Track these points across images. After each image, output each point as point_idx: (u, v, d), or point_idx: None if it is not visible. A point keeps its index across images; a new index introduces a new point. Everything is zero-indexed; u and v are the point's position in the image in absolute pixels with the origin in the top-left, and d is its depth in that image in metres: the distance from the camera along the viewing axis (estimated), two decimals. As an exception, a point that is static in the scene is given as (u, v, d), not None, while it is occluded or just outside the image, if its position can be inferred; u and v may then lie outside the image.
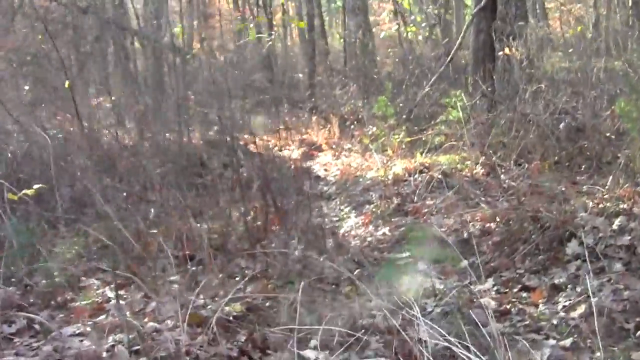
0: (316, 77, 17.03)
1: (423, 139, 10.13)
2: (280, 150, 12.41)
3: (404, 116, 11.01)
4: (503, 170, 8.37)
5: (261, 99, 16.14)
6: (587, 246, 5.52)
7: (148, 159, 8.74)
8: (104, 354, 3.76)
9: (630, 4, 15.05)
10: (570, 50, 10.51)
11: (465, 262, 5.90)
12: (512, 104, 9.10)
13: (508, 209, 6.71)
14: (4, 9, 14.84)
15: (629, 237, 5.62)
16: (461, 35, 12.23)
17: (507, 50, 10.58)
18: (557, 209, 6.23)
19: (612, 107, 8.42)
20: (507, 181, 8.00)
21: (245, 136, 13.71)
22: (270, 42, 17.08)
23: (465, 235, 6.63)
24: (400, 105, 11.39)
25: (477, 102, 10.08)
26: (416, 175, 8.75)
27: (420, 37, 13.08)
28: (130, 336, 3.90)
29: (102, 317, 4.38)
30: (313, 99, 14.95)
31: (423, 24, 13.26)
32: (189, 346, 3.80)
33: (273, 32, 17.66)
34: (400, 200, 8.08)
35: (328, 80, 16.35)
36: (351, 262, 6.31)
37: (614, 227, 5.82)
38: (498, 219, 6.77)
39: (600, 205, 6.46)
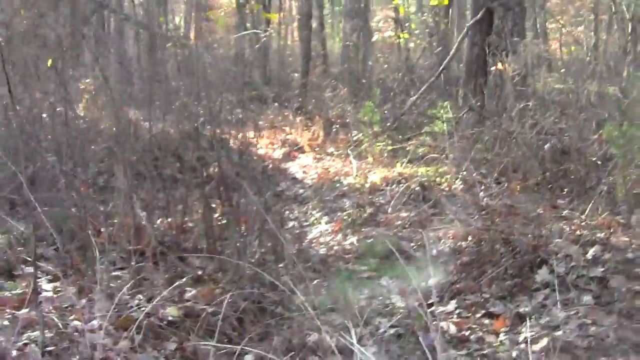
0: (309, 78, 16.70)
1: (406, 148, 9.79)
2: (262, 149, 12.07)
3: (389, 124, 10.66)
4: (483, 187, 8.04)
5: (251, 95, 15.80)
6: (558, 275, 5.23)
7: (116, 145, 8.40)
8: (14, 353, 3.39)
9: (629, 30, 14.77)
10: (562, 71, 10.18)
11: (430, 281, 5.59)
12: (498, 121, 8.75)
13: (481, 228, 6.37)
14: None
15: (602, 269, 5.30)
16: (455, 46, 11.90)
17: (499, 65, 10.24)
18: (531, 232, 5.90)
19: (600, 131, 8.10)
20: (485, 199, 7.65)
21: (228, 131, 13.43)
22: (265, 38, 16.71)
23: (435, 252, 6.28)
24: (386, 112, 11.04)
25: (464, 115, 9.74)
26: (394, 186, 8.42)
27: (412, 45, 12.74)
28: (48, 335, 3.54)
29: (25, 310, 4.00)
30: (300, 99, 14.59)
31: (417, 32, 12.90)
32: (109, 351, 3.44)
33: (268, 29, 17.26)
34: (373, 210, 7.75)
35: (319, 81, 16.03)
36: (311, 271, 5.97)
37: (588, 256, 5.50)
38: (470, 238, 6.43)
39: (577, 232, 6.14)
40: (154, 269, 5.09)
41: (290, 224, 7.89)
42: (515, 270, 5.54)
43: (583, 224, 6.40)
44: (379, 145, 9.91)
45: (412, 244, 6.62)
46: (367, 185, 8.62)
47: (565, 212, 7.12)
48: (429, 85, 11.27)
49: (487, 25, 11.12)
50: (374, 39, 10.42)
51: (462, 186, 8.25)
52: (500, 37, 10.82)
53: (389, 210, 7.79)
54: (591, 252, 5.54)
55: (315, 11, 17.65)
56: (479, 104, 10.35)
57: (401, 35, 10.57)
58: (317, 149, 11.80)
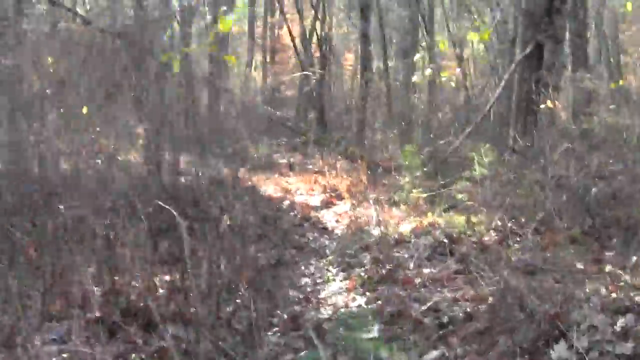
0: (366, 120, 15.97)
1: (443, 195, 8.96)
2: (301, 194, 11.41)
3: (428, 169, 9.85)
4: (517, 240, 7.16)
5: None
6: (577, 352, 4.33)
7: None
8: None
9: None
10: (611, 107, 9.21)
11: (434, 354, 4.78)
12: (541, 163, 7.87)
13: (503, 289, 5.50)
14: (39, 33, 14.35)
15: (633, 345, 4.37)
16: (501, 84, 11.02)
17: (549, 102, 9.36)
18: (554, 295, 5.02)
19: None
20: (518, 253, 6.78)
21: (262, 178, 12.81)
22: (315, 80, 16.14)
23: (446, 319, 5.43)
24: (422, 156, 10.25)
25: (507, 158, 8.86)
26: (421, 238, 7.61)
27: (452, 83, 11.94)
28: None
29: None
30: (353, 142, 13.83)
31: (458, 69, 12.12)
32: None
33: (322, 71, 16.67)
34: (393, 265, 6.93)
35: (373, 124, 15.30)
36: (303, 340, 5.22)
37: (617, 327, 4.58)
38: (490, 300, 5.57)
39: (614, 295, 5.22)
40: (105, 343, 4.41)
41: (304, 280, 7.14)
42: (528, 344, 4.65)
43: (622, 283, 5.48)
44: (415, 192, 9.09)
45: (423, 307, 5.76)
46: (392, 237, 7.81)
47: (609, 268, 6.20)
48: (476, 126, 10.39)
49: (537, 60, 10.25)
50: (413, 79, 9.68)
51: (495, 238, 7.37)
52: (551, 72, 9.93)
53: (411, 266, 6.96)
54: (621, 322, 4.62)
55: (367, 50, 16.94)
56: (528, 144, 9.45)
57: (443, 74, 9.77)
58: (359, 195, 11.02)
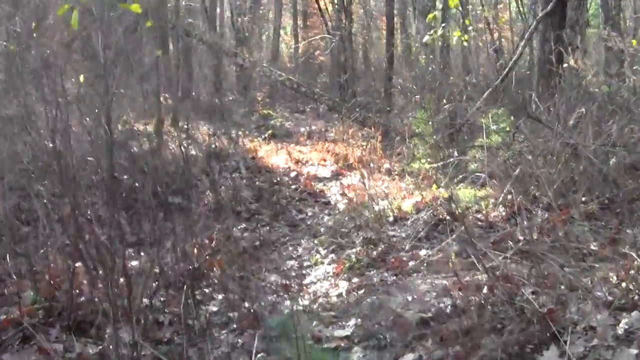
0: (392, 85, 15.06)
1: (455, 165, 8.15)
2: (312, 165, 10.67)
3: (441, 137, 9.02)
4: (527, 216, 6.35)
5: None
6: (569, 358, 3.58)
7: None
8: None
9: None
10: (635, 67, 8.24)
11: (408, 358, 4.06)
12: (557, 130, 7.01)
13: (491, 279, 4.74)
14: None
15: (637, 352, 3.59)
16: (522, 44, 10.09)
17: (572, 61, 8.44)
18: (552, 288, 4.25)
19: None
20: (526, 231, 5.97)
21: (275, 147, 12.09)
22: (334, 45, 15.26)
23: (430, 313, 4.69)
24: (433, 122, 9.40)
25: (522, 124, 7.99)
26: (423, 213, 6.83)
27: (465, 43, 10.97)
28: None
29: None
30: (381, 109, 12.92)
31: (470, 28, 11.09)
32: None
33: (342, 32, 15.74)
34: (386, 246, 6.19)
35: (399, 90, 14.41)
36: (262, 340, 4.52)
37: (620, 328, 3.80)
38: (486, 292, 4.81)
39: (623, 284, 4.43)
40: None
41: (290, 264, 6.44)
42: (516, 348, 3.89)
43: (636, 270, 4.67)
44: (423, 163, 8.30)
45: (408, 297, 5.02)
46: (392, 214, 7.05)
47: (625, 249, 5.37)
48: (495, 90, 9.50)
49: (560, 18, 9.31)
50: (424, 39, 8.82)
51: (504, 214, 6.57)
52: (574, 31, 9.00)
53: (407, 247, 6.20)
54: (624, 322, 3.84)
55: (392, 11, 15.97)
56: (549, 108, 8.55)
57: (456, 34, 8.87)
58: (371, 164, 10.23)
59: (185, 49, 21.17)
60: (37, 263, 4.73)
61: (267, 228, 7.37)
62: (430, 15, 8.63)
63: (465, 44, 10.23)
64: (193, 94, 21.23)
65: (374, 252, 6.11)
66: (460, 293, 4.95)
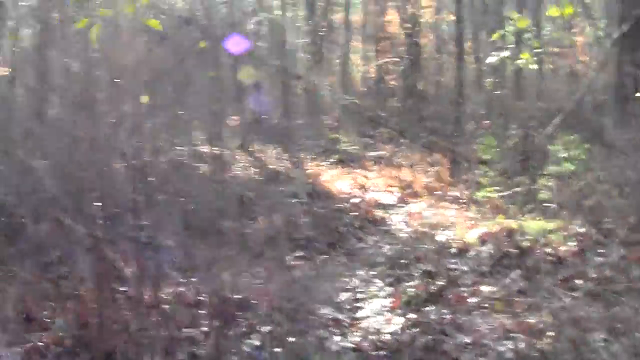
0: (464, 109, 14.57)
1: (525, 194, 7.67)
2: (375, 191, 10.29)
3: (511, 164, 8.53)
4: (601, 251, 5.86)
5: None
6: None
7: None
8: None
9: None
10: None
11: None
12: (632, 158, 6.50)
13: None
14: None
15: None
16: (597, 68, 9.54)
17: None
18: (623, 339, 3.79)
19: None
20: (601, 268, 5.49)
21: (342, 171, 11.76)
22: (402, 69, 14.89)
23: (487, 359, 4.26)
24: (502, 148, 8.92)
25: (598, 152, 7.48)
26: (488, 246, 6.39)
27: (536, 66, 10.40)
28: None
29: None
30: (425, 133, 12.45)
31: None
32: None
33: (411, 57, 15.38)
34: (447, 280, 5.76)
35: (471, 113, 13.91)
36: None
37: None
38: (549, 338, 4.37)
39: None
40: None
41: (344, 296, 6.05)
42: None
43: None
44: (491, 191, 7.85)
45: (465, 339, 4.59)
46: (455, 245, 6.62)
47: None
48: (567, 116, 8.99)
49: (636, 40, 8.78)
50: (488, 60, 8.36)
51: (574, 248, 6.08)
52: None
53: (469, 282, 5.76)
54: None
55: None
56: (625, 136, 8.01)
57: (522, 56, 8.41)
58: (439, 192, 9.80)
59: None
60: (67, 287, 4.47)
61: (324, 257, 7.00)
62: (495, 35, 8.19)
63: (535, 67, 9.72)
64: (263, 117, 21.19)
65: (433, 287, 5.68)
66: (523, 337, 4.52)
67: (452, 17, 19.28)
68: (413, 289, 5.76)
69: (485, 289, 5.58)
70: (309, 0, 21.54)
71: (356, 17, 26.68)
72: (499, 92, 10.92)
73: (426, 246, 6.68)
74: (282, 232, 7.28)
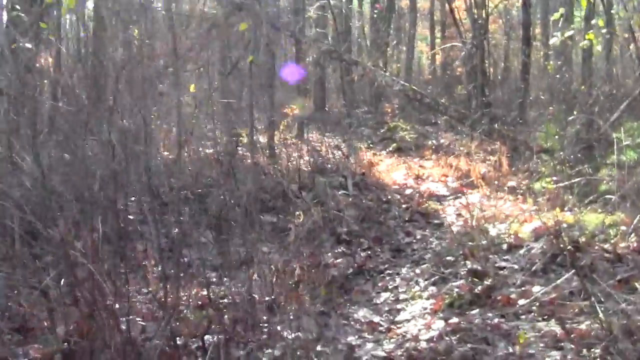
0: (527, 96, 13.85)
1: (584, 185, 7.08)
2: (431, 181, 9.79)
3: (571, 153, 7.92)
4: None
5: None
6: None
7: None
8: None
9: None
10: None
11: None
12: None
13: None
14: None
15: None
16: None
17: None
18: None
19: None
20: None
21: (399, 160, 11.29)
22: (464, 54, 14.24)
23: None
24: (562, 136, 8.28)
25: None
26: (540, 242, 5.85)
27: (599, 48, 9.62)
28: None
29: None
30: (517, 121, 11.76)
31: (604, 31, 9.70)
32: None
33: (475, 42, 14.68)
34: (495, 280, 5.26)
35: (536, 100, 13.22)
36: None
37: None
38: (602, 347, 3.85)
39: None
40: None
41: (384, 296, 5.61)
42: None
43: None
44: (548, 181, 7.28)
45: (509, 349, 4.11)
46: (507, 240, 6.10)
47: None
48: (634, 101, 8.32)
49: None
50: (551, 41, 7.72)
51: (635, 245, 5.50)
52: None
53: (518, 281, 5.26)
54: None
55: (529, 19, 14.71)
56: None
57: (588, 37, 7.72)
58: (496, 182, 9.23)
59: (318, 62, 20.67)
60: (55, 301, 4.13)
61: (368, 253, 6.56)
62: (556, 15, 7.60)
63: (599, 49, 9.02)
64: (327, 106, 20.78)
65: (479, 287, 5.19)
66: (573, 346, 4.01)
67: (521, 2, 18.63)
68: (457, 289, 5.28)
69: (535, 289, 5.06)
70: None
71: (423, 3, 26.04)
72: (563, 77, 10.23)
73: (476, 242, 6.15)
74: (325, 227, 6.88)
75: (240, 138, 9.75)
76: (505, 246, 6.05)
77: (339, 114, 17.81)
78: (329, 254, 6.35)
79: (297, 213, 6.56)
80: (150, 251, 5.54)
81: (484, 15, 15.31)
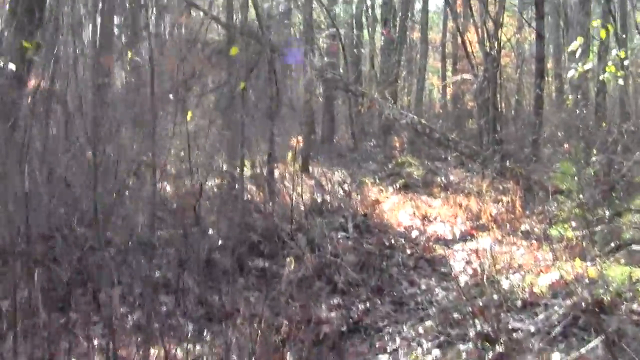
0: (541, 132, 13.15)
1: (606, 232, 6.39)
2: (438, 222, 9.11)
3: (590, 195, 7.22)
4: None
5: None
6: None
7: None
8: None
9: None
10: None
11: None
12: None
13: None
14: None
15: None
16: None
17: None
18: None
19: None
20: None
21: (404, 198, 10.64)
22: (475, 87, 13.61)
23: None
24: (581, 177, 7.58)
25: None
26: (559, 300, 5.16)
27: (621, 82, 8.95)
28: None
29: None
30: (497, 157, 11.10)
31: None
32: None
33: (486, 75, 14.06)
34: (507, 346, 4.56)
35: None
36: None
37: None
38: None
39: None
40: None
41: (381, 360, 4.92)
42: None
43: None
44: (566, 227, 6.60)
45: None
46: (521, 295, 5.41)
47: None
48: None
49: None
50: (569, 74, 7.11)
51: (669, 307, 4.80)
52: None
53: (535, 347, 4.56)
54: None
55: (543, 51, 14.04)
56: None
57: (607, 69, 7.08)
58: (508, 225, 8.54)
59: (327, 94, 20.10)
60: None
61: (366, 305, 5.86)
62: (575, 44, 6.98)
63: (621, 82, 8.35)
64: (335, 138, 20.15)
65: (490, 354, 4.50)
66: None
67: (534, 36, 18.02)
68: (465, 356, 4.59)
69: (555, 358, 4.37)
70: (385, 17, 20.46)
71: (434, 35, 25.50)
72: (580, 112, 9.55)
73: (486, 297, 5.45)
74: (321, 274, 6.21)
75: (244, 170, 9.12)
76: (519, 303, 5.35)
77: (346, 147, 17.20)
78: (323, 305, 5.67)
79: (289, 259, 5.89)
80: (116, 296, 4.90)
81: (496, 47, 14.71)
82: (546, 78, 15.12)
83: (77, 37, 11.24)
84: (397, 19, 21.39)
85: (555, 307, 5.04)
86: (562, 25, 20.02)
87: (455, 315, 5.35)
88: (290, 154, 11.04)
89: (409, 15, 23.20)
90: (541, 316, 5.01)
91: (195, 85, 10.79)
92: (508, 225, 8.50)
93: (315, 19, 20.18)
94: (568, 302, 5.03)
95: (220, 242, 6.37)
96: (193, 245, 6.18)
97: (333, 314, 5.48)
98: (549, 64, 19.92)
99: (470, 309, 5.32)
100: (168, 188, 8.11)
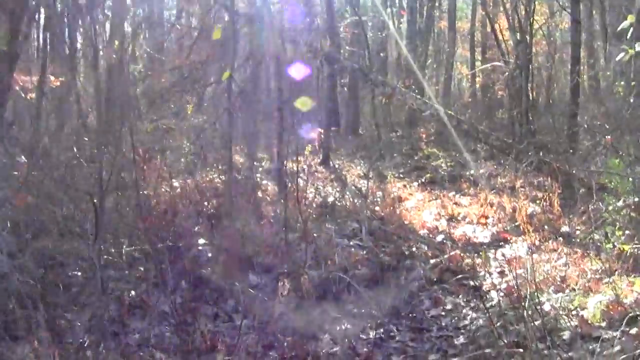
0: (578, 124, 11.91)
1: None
2: (469, 224, 8.00)
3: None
4: None
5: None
6: None
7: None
8: None
9: None
10: None
11: None
12: None
13: None
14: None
15: None
16: None
17: None
18: None
19: None
20: None
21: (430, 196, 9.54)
22: (507, 75, 12.43)
23: None
24: (634, 175, 6.39)
25: None
26: (618, 329, 4.04)
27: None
28: None
29: None
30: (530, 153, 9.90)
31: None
32: None
33: (519, 63, 12.87)
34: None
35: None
36: None
37: None
38: None
39: None
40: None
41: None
42: None
43: None
44: (618, 234, 5.46)
45: None
46: (570, 321, 4.30)
47: None
48: None
49: None
50: (618, 57, 6.03)
51: None
52: None
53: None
54: None
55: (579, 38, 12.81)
56: None
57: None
58: (546, 227, 7.38)
59: (352, 83, 19.02)
60: None
61: (379, 334, 4.76)
62: (625, 24, 5.87)
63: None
64: (360, 129, 19.03)
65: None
66: None
67: (567, 23, 16.80)
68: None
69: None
70: (411, 4, 19.36)
71: (462, 24, 24.22)
72: (629, 100, 8.38)
73: (531, 319, 4.33)
74: (327, 292, 5.14)
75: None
76: (566, 335, 4.23)
77: (371, 139, 16.11)
78: (327, 335, 4.59)
79: (281, 284, 4.83)
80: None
81: (528, 34, 13.53)
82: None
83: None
84: (425, 8, 20.32)
85: (613, 341, 3.91)
86: (594, 13, 18.64)
87: (488, 350, 4.24)
88: (307, 147, 9.98)
89: (436, 3, 22.06)
90: (596, 350, 3.89)
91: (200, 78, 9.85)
92: (546, 227, 7.36)
93: (339, 8, 19.16)
94: (633, 331, 3.91)
95: (209, 254, 5.34)
96: (176, 260, 5.17)
97: (336, 349, 4.38)
98: (582, 53, 18.60)
99: (505, 339, 4.21)
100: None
